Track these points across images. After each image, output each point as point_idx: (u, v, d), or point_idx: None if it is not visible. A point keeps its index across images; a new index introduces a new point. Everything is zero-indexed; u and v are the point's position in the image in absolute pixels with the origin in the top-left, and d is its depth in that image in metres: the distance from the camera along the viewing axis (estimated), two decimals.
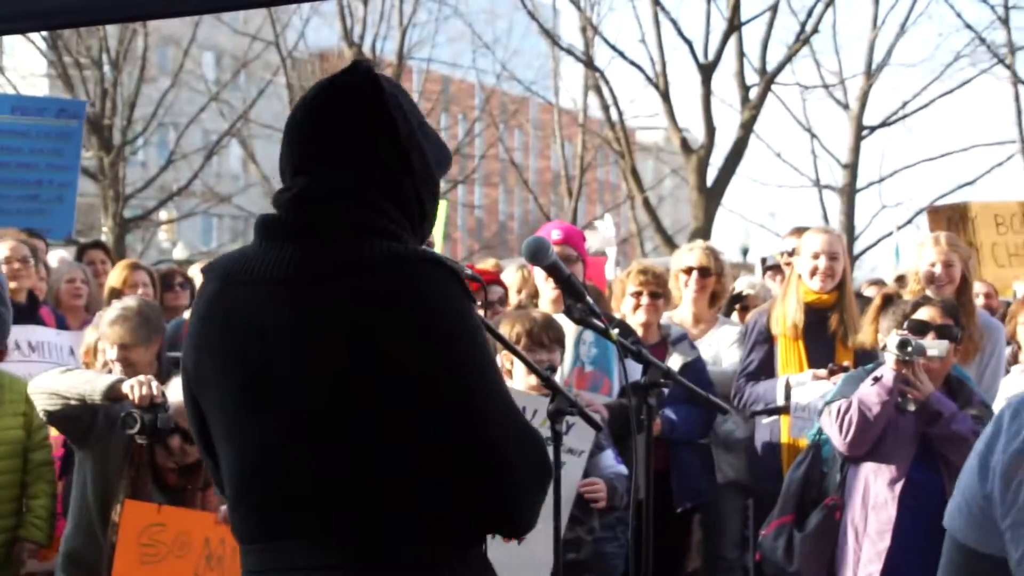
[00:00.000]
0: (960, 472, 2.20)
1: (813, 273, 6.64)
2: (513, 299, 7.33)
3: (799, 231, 8.53)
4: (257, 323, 2.66)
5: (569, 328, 5.58)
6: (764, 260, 9.85)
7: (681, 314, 7.24)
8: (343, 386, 2.59)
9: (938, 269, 6.77)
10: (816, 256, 6.65)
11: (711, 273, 7.23)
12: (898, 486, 5.43)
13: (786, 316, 6.67)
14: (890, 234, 15.63)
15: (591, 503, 5.24)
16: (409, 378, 2.56)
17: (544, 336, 5.40)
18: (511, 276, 7.47)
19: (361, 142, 2.72)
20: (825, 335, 6.65)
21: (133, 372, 5.65)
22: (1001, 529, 2.07)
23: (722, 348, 7.12)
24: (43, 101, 11.09)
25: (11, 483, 5.99)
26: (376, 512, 2.61)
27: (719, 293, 7.39)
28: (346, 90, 2.77)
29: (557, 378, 5.12)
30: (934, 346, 5.53)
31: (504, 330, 5.33)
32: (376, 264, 2.60)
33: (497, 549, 5.02)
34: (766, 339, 6.75)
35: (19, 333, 6.69)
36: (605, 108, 26.75)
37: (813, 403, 6.25)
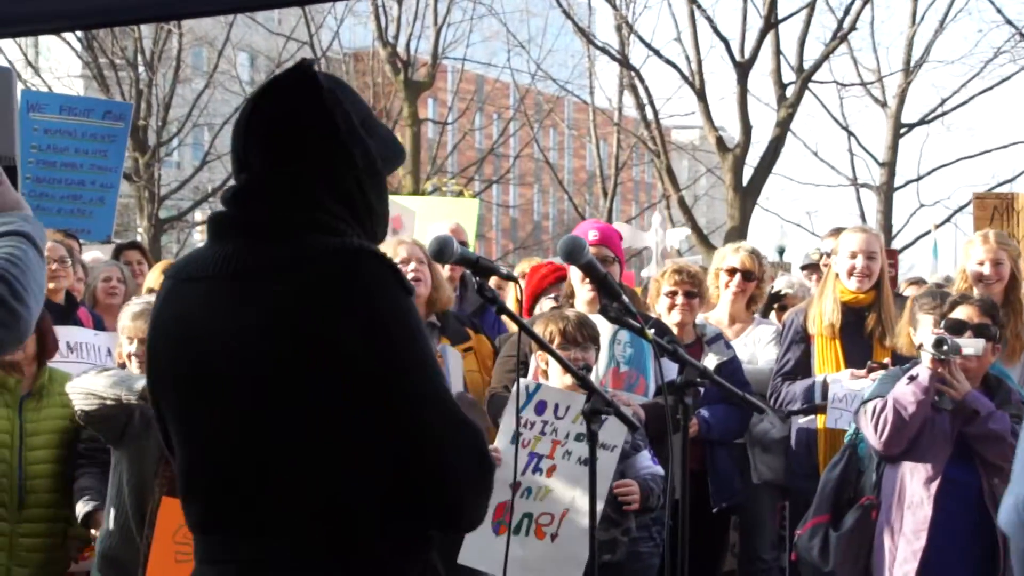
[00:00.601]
0: (1012, 473, 2.18)
1: (851, 272, 6.61)
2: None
3: (838, 232, 8.50)
4: (199, 319, 2.70)
5: (604, 328, 5.58)
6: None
7: (718, 314, 7.22)
8: (277, 381, 2.60)
9: (987, 268, 6.70)
10: (854, 255, 6.61)
11: (753, 277, 7.21)
12: (934, 485, 5.41)
13: (823, 315, 6.64)
14: (928, 232, 15.52)
15: (624, 505, 5.24)
16: (341, 372, 2.57)
17: (578, 335, 5.41)
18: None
19: (298, 139, 2.73)
20: (862, 334, 6.62)
21: None
22: None
23: (759, 347, 7.10)
24: (90, 102, 11.20)
25: (58, 473, 6.02)
26: (312, 508, 2.62)
27: (757, 297, 7.38)
28: (285, 88, 2.79)
29: (592, 378, 5.16)
30: (970, 345, 5.50)
31: (538, 330, 5.34)
32: (308, 259, 2.61)
33: (533, 548, 5.09)
34: (803, 338, 6.72)
35: (57, 334, 6.72)
36: (640, 107, 26.73)
37: (850, 394, 6.23)
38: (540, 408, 5.22)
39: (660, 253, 11.78)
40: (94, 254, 9.82)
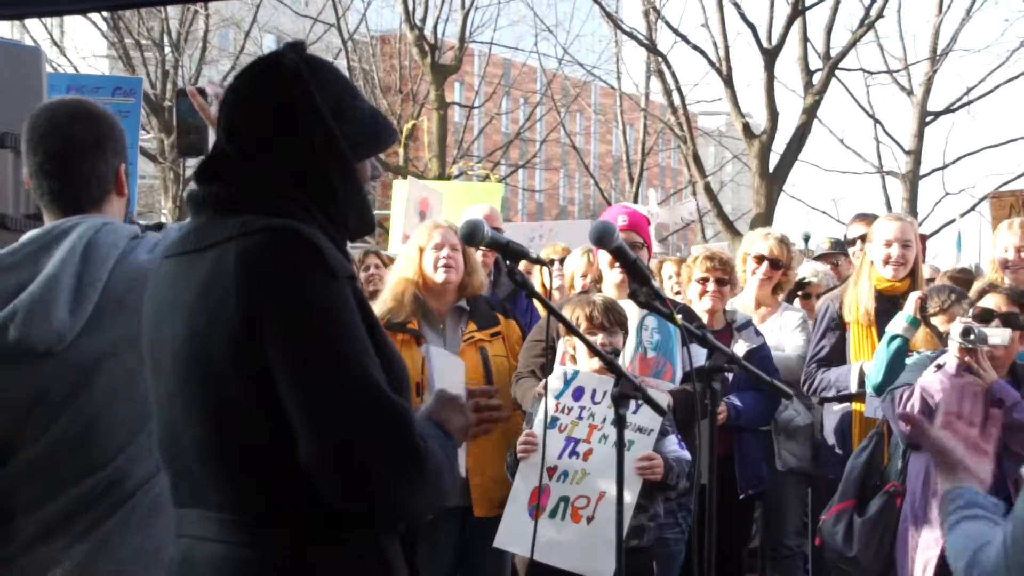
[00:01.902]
0: None
1: (886, 261, 6.60)
2: (578, 284, 7.32)
3: (862, 218, 8.49)
4: (161, 296, 2.77)
5: (632, 314, 5.61)
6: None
7: (744, 299, 7.23)
8: (192, 360, 2.64)
9: (1011, 254, 6.71)
10: (889, 244, 6.60)
11: (781, 265, 7.22)
12: None
13: (859, 303, 6.64)
14: (952, 221, 15.47)
15: (646, 478, 5.24)
16: (250, 349, 2.57)
17: (605, 320, 5.43)
18: (576, 261, 7.46)
19: (256, 120, 2.76)
20: None
21: None
22: None
23: (784, 334, 7.10)
24: (99, 79, 11.18)
25: None
26: (243, 483, 2.64)
27: (784, 284, 7.39)
28: (253, 70, 2.83)
29: (620, 363, 5.18)
30: (997, 334, 5.51)
31: (566, 314, 5.37)
32: (239, 236, 2.63)
33: (569, 530, 5.12)
34: (838, 325, 6.72)
35: None
36: (667, 93, 26.65)
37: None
38: (578, 394, 5.27)
39: (656, 228, 11.80)
40: None
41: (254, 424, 2.59)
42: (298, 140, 2.73)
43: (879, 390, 6.04)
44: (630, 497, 5.08)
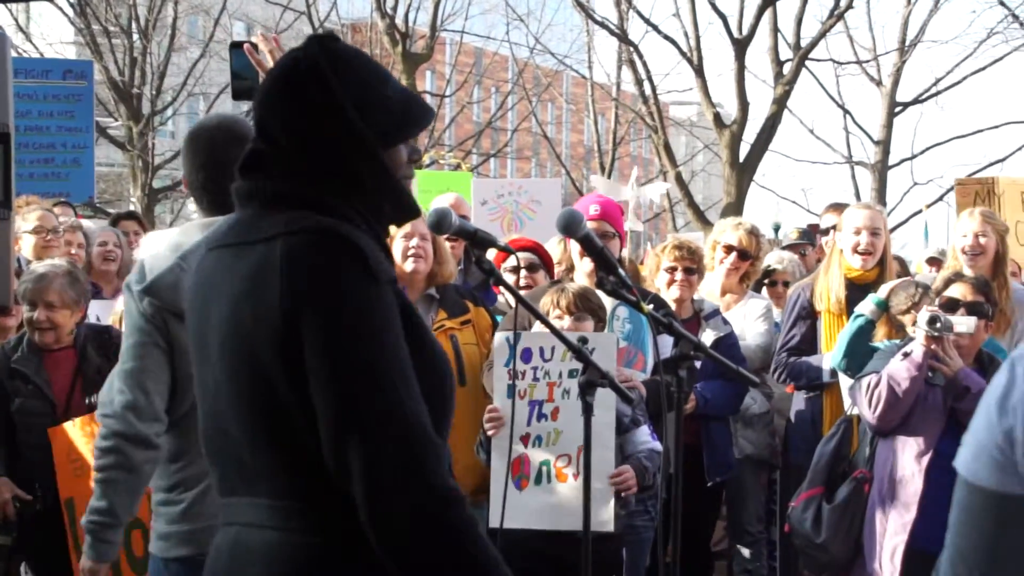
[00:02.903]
0: (974, 421, 2.25)
1: (855, 249, 6.64)
2: (554, 271, 7.30)
3: (835, 207, 8.53)
4: (207, 288, 2.77)
5: (605, 303, 5.61)
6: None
7: (710, 287, 7.25)
8: (248, 349, 2.64)
9: (970, 240, 6.77)
10: (858, 232, 6.65)
11: (749, 256, 7.25)
12: (925, 459, 5.46)
13: (830, 291, 6.68)
14: (919, 212, 15.58)
15: (623, 493, 5.25)
16: (290, 349, 2.58)
17: (575, 307, 5.43)
18: (552, 249, 7.45)
19: (281, 117, 2.77)
20: None
21: (55, 336, 5.95)
22: (1021, 470, 2.11)
23: (748, 322, 7.14)
24: (48, 63, 11.09)
25: None
26: (295, 474, 2.64)
27: (751, 274, 7.42)
28: (277, 66, 2.85)
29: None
30: (963, 322, 5.56)
31: (543, 301, 5.40)
32: (284, 232, 2.64)
33: (559, 491, 5.11)
34: (809, 314, 6.76)
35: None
36: (638, 82, 26.69)
37: None
38: (526, 356, 5.25)
39: (634, 207, 11.79)
40: (90, 223, 9.82)
41: (298, 418, 2.60)
42: (321, 134, 2.74)
43: (843, 369, 6.10)
44: (608, 454, 5.12)
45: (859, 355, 6.00)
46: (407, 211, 2.90)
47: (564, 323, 5.34)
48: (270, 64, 4.00)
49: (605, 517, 5.09)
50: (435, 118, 2.96)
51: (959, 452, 2.28)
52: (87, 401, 5.87)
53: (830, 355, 6.48)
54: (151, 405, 3.92)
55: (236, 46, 4.17)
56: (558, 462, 5.19)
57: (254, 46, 4.08)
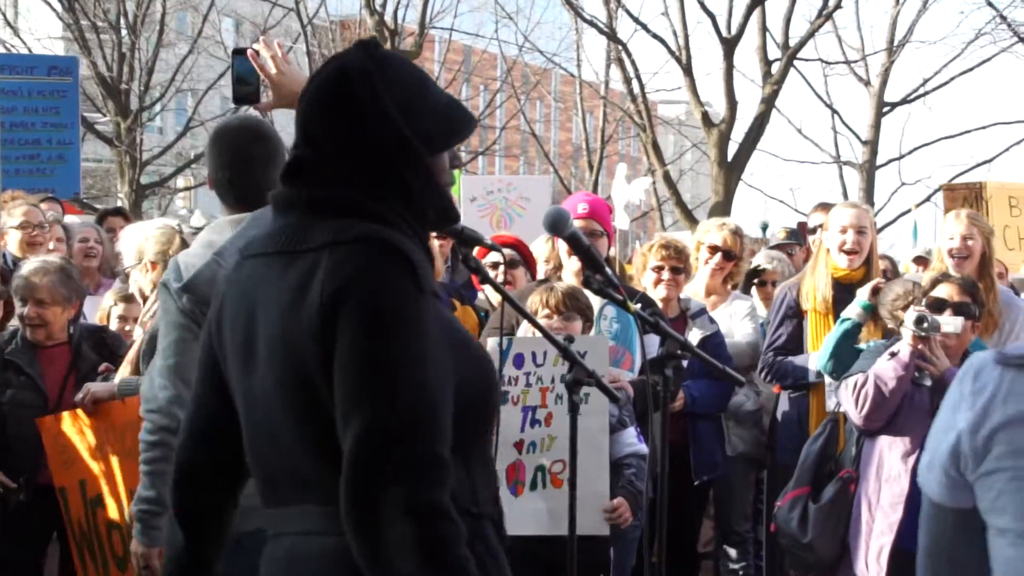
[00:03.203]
0: (930, 436, 2.32)
1: (841, 247, 6.64)
2: (541, 270, 7.29)
3: (823, 207, 8.54)
4: (251, 295, 2.75)
5: (592, 303, 5.60)
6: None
7: (694, 287, 7.24)
8: (296, 360, 2.63)
9: (956, 243, 6.77)
10: (844, 231, 6.65)
11: (734, 256, 7.24)
12: (911, 459, 5.46)
13: (816, 291, 6.67)
14: (908, 211, 15.61)
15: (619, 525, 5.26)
16: (324, 349, 2.57)
17: (561, 306, 5.42)
18: (539, 247, 7.43)
19: (326, 124, 2.76)
20: None
21: (46, 332, 5.98)
22: (969, 482, 2.20)
23: (734, 322, 7.13)
24: (32, 59, 11.07)
25: None
26: (337, 481, 2.60)
27: (735, 274, 7.41)
28: (322, 72, 2.83)
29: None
30: (950, 323, 5.56)
31: (528, 300, 5.40)
32: (333, 242, 2.63)
33: (555, 496, 5.11)
34: (795, 313, 6.76)
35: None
36: (627, 81, 26.70)
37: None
38: (519, 361, 5.22)
39: (624, 205, 11.85)
40: (74, 219, 9.79)
41: (333, 428, 2.59)
42: (368, 141, 2.72)
43: (828, 371, 6.10)
44: (602, 457, 5.14)
45: (845, 358, 6.01)
46: (447, 218, 2.90)
47: (552, 322, 5.33)
48: (272, 70, 4.13)
49: (599, 520, 5.11)
50: (477, 124, 2.95)
51: (922, 460, 2.37)
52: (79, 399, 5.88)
53: (816, 355, 6.49)
54: None
55: (239, 52, 4.31)
56: (553, 467, 5.18)
57: (256, 52, 4.21)
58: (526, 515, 5.04)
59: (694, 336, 6.40)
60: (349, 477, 2.52)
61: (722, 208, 23.33)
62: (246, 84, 4.27)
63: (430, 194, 2.79)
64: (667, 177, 26.21)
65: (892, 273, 7.45)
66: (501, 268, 6.92)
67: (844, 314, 6.21)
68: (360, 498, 2.52)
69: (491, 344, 5.30)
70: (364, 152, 2.72)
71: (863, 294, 6.23)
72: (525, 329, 5.57)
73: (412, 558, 2.48)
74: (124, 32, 27.64)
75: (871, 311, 6.17)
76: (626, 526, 5.27)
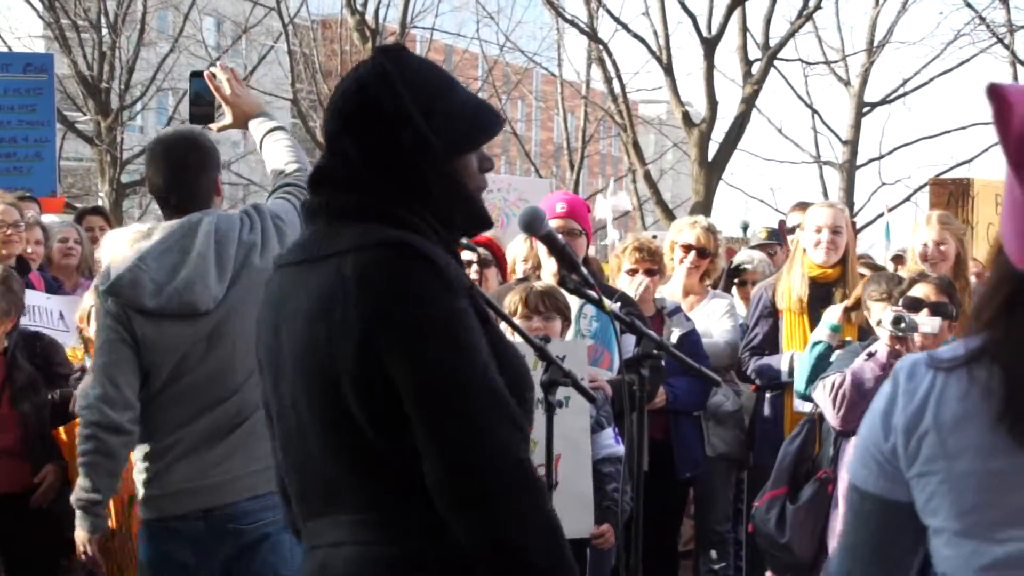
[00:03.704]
0: (861, 429, 2.34)
1: (816, 246, 6.64)
2: (520, 269, 7.28)
3: (802, 206, 8.54)
4: (277, 305, 2.76)
5: (572, 303, 5.59)
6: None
7: (671, 287, 7.24)
8: (323, 368, 2.62)
9: (930, 248, 6.79)
10: (819, 230, 6.66)
11: (708, 254, 7.24)
12: None
13: (791, 290, 6.68)
14: (881, 215, 15.67)
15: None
16: (368, 368, 2.56)
17: (540, 305, 5.41)
18: (518, 246, 7.42)
19: (348, 128, 2.75)
20: None
21: None
22: (906, 479, 2.20)
23: (713, 320, 7.14)
24: (8, 56, 11.00)
25: None
26: (375, 488, 2.63)
27: (711, 272, 7.42)
28: (345, 78, 2.83)
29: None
30: (927, 323, 5.56)
31: (509, 300, 5.38)
32: (355, 247, 2.62)
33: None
34: (771, 313, 6.77)
35: (53, 302, 6.72)
36: (608, 81, 26.71)
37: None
38: None
39: (613, 219, 11.88)
40: (52, 218, 9.75)
41: (368, 431, 2.59)
42: (387, 144, 2.71)
43: (806, 393, 6.08)
44: (584, 458, 5.16)
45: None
46: (478, 221, 2.88)
47: (531, 322, 5.32)
48: (227, 91, 4.67)
49: (584, 524, 5.12)
50: (503, 123, 2.93)
51: (855, 449, 2.39)
52: (17, 410, 5.84)
53: (789, 355, 6.50)
54: (122, 395, 4.37)
55: (196, 74, 4.79)
56: (536, 472, 5.17)
57: (213, 75, 4.72)
58: None
59: (672, 335, 6.41)
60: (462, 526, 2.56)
61: (703, 208, 23.36)
62: (202, 104, 4.75)
63: (455, 197, 2.76)
64: (648, 177, 26.25)
65: (875, 270, 7.43)
66: (474, 267, 6.91)
67: (814, 336, 6.20)
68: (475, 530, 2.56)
69: None
70: (386, 156, 2.71)
71: (833, 315, 6.23)
72: (502, 329, 5.55)
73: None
74: (105, 31, 27.55)
75: (839, 332, 6.18)
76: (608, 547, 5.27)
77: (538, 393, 4.98)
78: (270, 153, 4.82)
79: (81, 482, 4.46)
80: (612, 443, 5.39)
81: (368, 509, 2.63)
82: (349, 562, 2.64)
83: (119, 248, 4.62)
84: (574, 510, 5.04)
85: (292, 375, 2.69)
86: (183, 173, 4.49)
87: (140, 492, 4.53)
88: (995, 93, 2.01)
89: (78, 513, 4.51)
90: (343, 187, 2.73)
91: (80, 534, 4.53)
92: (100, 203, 23.58)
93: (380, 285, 2.56)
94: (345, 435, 2.62)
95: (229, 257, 4.44)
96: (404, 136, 2.70)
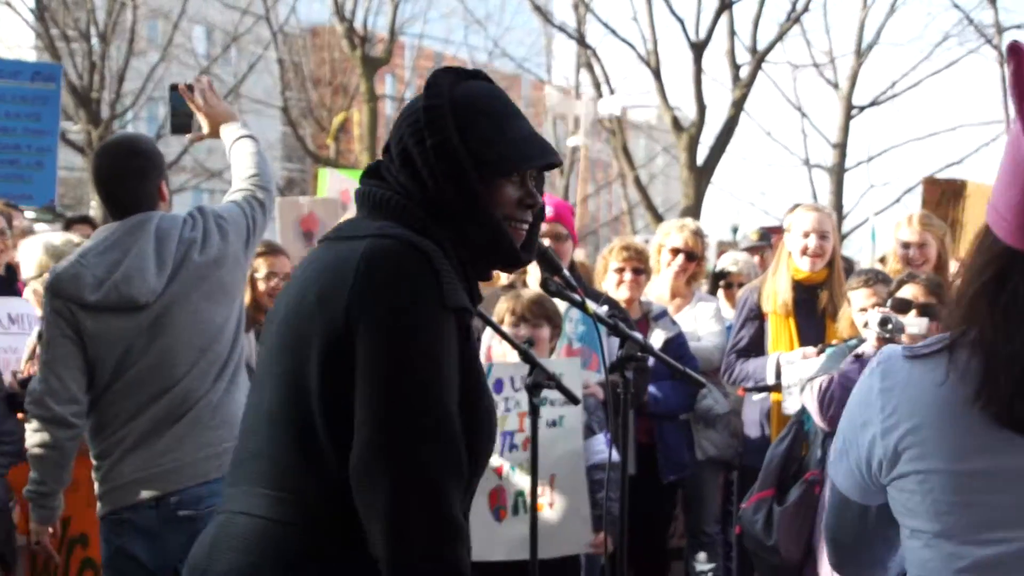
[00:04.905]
0: (842, 420, 2.33)
1: (803, 252, 6.63)
2: (504, 276, 7.28)
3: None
4: (296, 274, 2.82)
5: (559, 307, 5.60)
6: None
7: (658, 290, 7.26)
8: (297, 329, 2.65)
9: (912, 250, 6.79)
10: (806, 235, 6.64)
11: (696, 257, 7.26)
12: None
13: (777, 294, 6.67)
14: (866, 221, 15.74)
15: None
16: (338, 346, 2.58)
17: (528, 312, 5.42)
18: None
19: (398, 128, 2.81)
20: (815, 312, 6.65)
21: None
22: (882, 484, 2.22)
23: (700, 323, 7.15)
24: (17, 64, 10.93)
25: None
26: (290, 473, 2.64)
27: (698, 275, 7.43)
28: (430, 83, 2.84)
29: (554, 357, 5.25)
30: (914, 324, 5.55)
31: (499, 308, 5.44)
32: (359, 236, 2.67)
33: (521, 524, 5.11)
34: (757, 316, 6.76)
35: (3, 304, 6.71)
36: (597, 85, 26.75)
37: (804, 379, 6.27)
38: (498, 387, 5.21)
39: (590, 124, 11.89)
40: (43, 229, 9.76)
41: (318, 409, 2.59)
42: (420, 150, 2.74)
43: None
44: (580, 478, 5.19)
45: None
46: (506, 254, 2.83)
47: (519, 330, 5.34)
48: (201, 103, 5.00)
49: (584, 539, 5.17)
50: (557, 161, 2.91)
51: (831, 454, 2.39)
52: None
53: (775, 357, 6.51)
54: (66, 389, 4.52)
55: (174, 88, 5.08)
56: None
57: (189, 87, 5.02)
58: (511, 541, 5.06)
59: (656, 338, 6.42)
60: (382, 534, 2.52)
61: (692, 212, 23.38)
62: (179, 116, 5.05)
63: (476, 220, 2.75)
64: (637, 181, 26.27)
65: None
66: None
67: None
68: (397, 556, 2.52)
69: None
70: (415, 160, 2.74)
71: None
72: (488, 335, 5.58)
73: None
74: (95, 41, 27.53)
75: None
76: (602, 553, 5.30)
77: (544, 421, 5.07)
78: (234, 159, 5.07)
79: (31, 475, 4.64)
80: (603, 448, 5.40)
81: (288, 489, 2.63)
82: (248, 532, 2.63)
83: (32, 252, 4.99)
84: (572, 526, 5.11)
85: (270, 340, 2.73)
86: (122, 180, 4.67)
87: (97, 489, 4.66)
88: (1015, 50, 2.02)
89: (30, 506, 4.73)
90: (387, 183, 2.79)
91: (32, 525, 4.77)
92: (91, 213, 23.51)
93: (378, 272, 2.58)
94: (294, 409, 2.62)
95: (169, 252, 4.60)
96: (434, 145, 2.73)
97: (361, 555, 2.57)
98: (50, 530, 4.81)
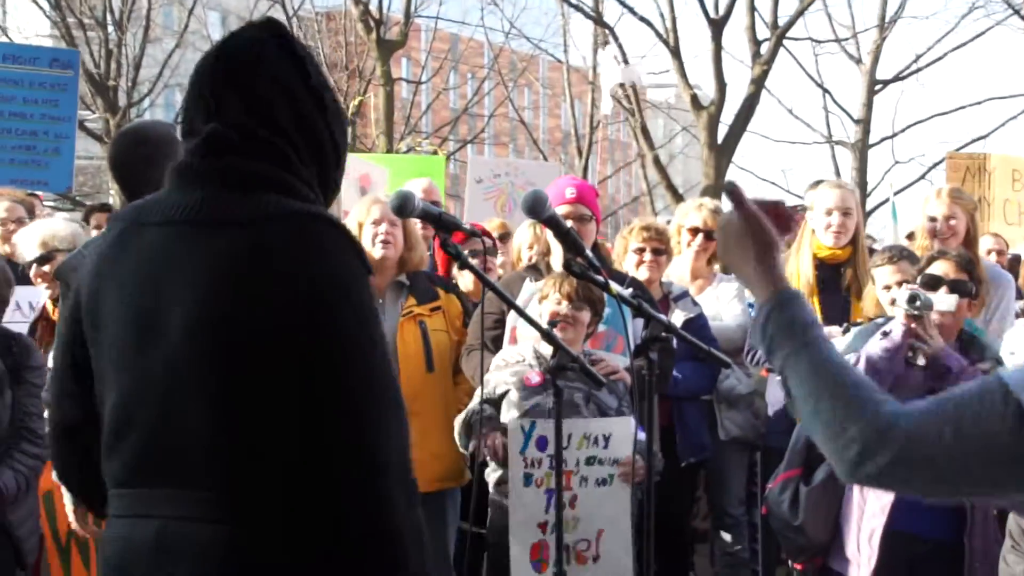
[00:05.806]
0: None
1: (827, 229, 6.57)
2: (525, 256, 7.24)
3: (819, 185, 8.46)
4: (157, 263, 2.67)
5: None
6: None
7: (679, 271, 7.18)
8: (216, 337, 2.57)
9: (939, 224, 6.70)
10: (829, 212, 6.59)
11: (715, 236, 7.17)
12: None
13: (800, 272, 6.61)
14: (886, 201, 15.62)
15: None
16: (278, 339, 2.54)
17: (575, 295, 5.33)
18: (524, 232, 7.38)
19: (273, 89, 2.73)
20: (839, 290, 6.61)
21: None
22: None
23: (722, 304, 7.07)
24: (36, 50, 10.98)
25: None
26: (238, 471, 2.58)
27: (717, 255, 7.35)
28: (254, 39, 2.79)
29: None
30: (943, 300, 5.47)
31: (543, 284, 5.42)
32: (266, 216, 2.60)
33: (579, 573, 5.11)
34: None
35: (20, 294, 6.68)
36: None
37: None
38: (542, 444, 5.14)
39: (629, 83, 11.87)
40: (62, 216, 9.76)
41: (263, 415, 2.56)
42: (314, 103, 2.76)
43: None
44: (625, 536, 5.17)
45: None
46: (334, 190, 2.89)
47: (560, 308, 5.28)
48: None
49: None
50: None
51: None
52: None
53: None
54: None
55: None
56: (578, 546, 5.16)
57: None
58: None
59: (677, 318, 6.35)
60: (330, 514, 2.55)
61: (713, 191, 23.25)
62: None
63: (341, 157, 2.82)
64: (657, 161, 26.15)
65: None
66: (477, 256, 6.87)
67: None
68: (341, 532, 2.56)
69: (513, 424, 5.20)
70: (306, 118, 2.72)
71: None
72: (513, 317, 5.51)
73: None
74: (111, 28, 27.57)
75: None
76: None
77: (587, 474, 5.05)
78: None
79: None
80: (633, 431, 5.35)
81: (228, 490, 2.58)
82: (196, 539, 2.58)
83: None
84: None
85: (181, 340, 2.60)
86: (131, 168, 4.72)
87: None
88: None
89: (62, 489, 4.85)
90: (242, 154, 2.70)
91: (70, 510, 5.11)
92: (110, 200, 23.54)
93: (296, 253, 2.56)
94: (232, 410, 2.57)
95: None
96: (327, 97, 2.78)
97: (305, 547, 2.58)
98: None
